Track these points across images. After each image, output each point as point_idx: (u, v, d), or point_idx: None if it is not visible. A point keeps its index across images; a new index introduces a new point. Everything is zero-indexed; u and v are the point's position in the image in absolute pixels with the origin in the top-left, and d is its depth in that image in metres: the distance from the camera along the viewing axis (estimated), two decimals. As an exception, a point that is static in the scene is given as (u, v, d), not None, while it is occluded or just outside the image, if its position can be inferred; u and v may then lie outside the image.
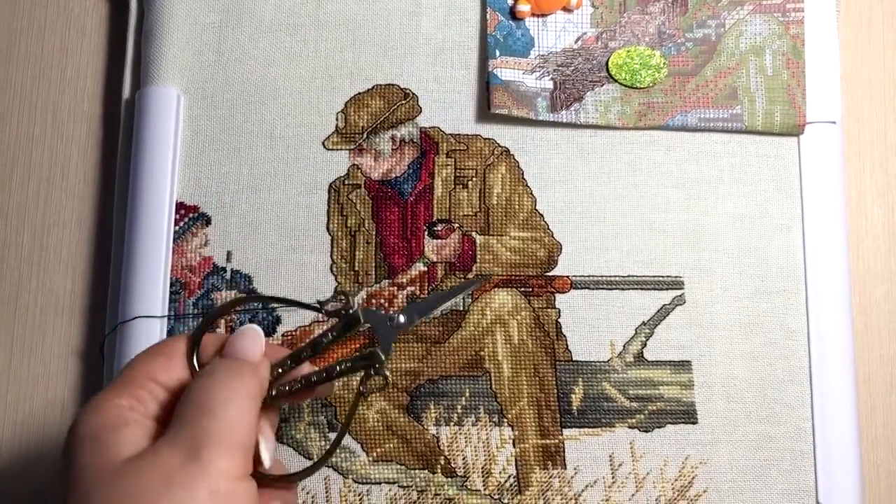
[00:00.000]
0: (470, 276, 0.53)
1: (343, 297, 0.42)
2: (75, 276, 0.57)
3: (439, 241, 0.54)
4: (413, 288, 0.53)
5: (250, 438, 0.37)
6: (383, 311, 0.45)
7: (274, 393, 0.41)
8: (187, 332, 0.42)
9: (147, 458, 0.35)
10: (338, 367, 0.42)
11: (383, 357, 0.41)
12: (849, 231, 0.56)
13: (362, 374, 0.42)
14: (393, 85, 0.56)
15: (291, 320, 0.52)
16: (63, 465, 0.37)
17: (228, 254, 0.54)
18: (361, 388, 0.42)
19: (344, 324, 0.42)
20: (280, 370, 0.41)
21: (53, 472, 0.54)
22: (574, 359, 0.53)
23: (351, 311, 0.42)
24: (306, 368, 0.42)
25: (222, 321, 0.53)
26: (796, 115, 0.55)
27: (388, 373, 0.42)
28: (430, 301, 0.49)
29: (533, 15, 0.56)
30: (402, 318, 0.44)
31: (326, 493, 0.51)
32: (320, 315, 0.52)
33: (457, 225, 0.54)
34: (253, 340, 0.41)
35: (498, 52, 0.55)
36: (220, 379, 0.38)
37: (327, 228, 0.54)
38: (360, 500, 0.51)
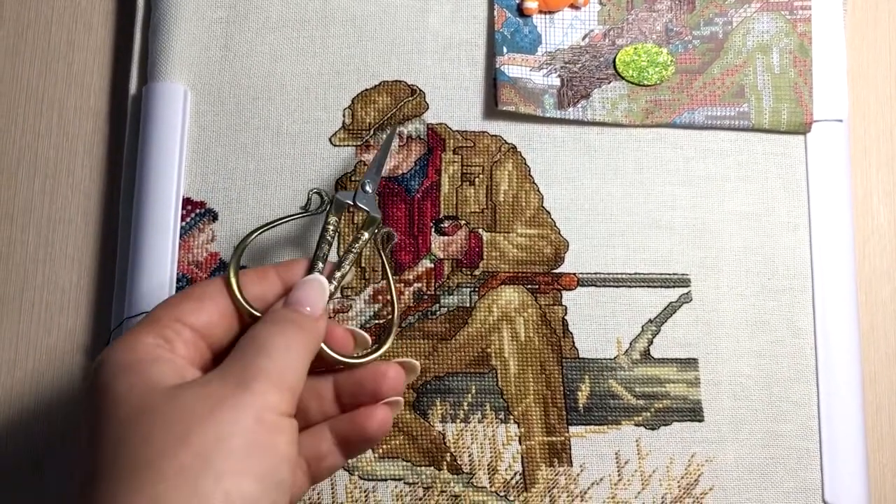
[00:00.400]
0: (477, 272, 0.53)
1: (318, 194, 0.48)
2: (81, 272, 0.57)
3: (446, 237, 0.54)
4: (420, 284, 0.53)
5: (300, 385, 0.38)
6: (351, 191, 0.48)
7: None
8: (221, 275, 0.43)
9: (196, 385, 0.36)
10: (353, 247, 0.46)
11: (377, 216, 0.47)
12: (855, 230, 0.56)
13: (374, 236, 0.47)
14: (400, 81, 0.56)
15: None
16: (94, 398, 0.37)
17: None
18: (380, 246, 0.48)
19: (332, 216, 0.46)
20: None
21: (62, 469, 0.54)
22: (580, 356, 0.53)
23: (329, 201, 0.47)
24: (328, 270, 0.45)
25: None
26: (803, 114, 0.55)
27: (389, 229, 0.49)
28: (376, 159, 0.50)
29: (540, 12, 0.56)
30: (367, 187, 0.48)
31: (332, 489, 0.51)
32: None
33: (463, 222, 0.54)
34: (318, 293, 0.42)
35: (505, 49, 0.55)
36: (283, 328, 0.39)
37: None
38: (365, 496, 0.51)
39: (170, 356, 0.38)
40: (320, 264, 0.45)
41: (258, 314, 0.41)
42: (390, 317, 0.50)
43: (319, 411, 0.43)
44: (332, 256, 0.46)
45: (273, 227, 0.47)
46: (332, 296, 0.44)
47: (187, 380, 0.37)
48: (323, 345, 0.42)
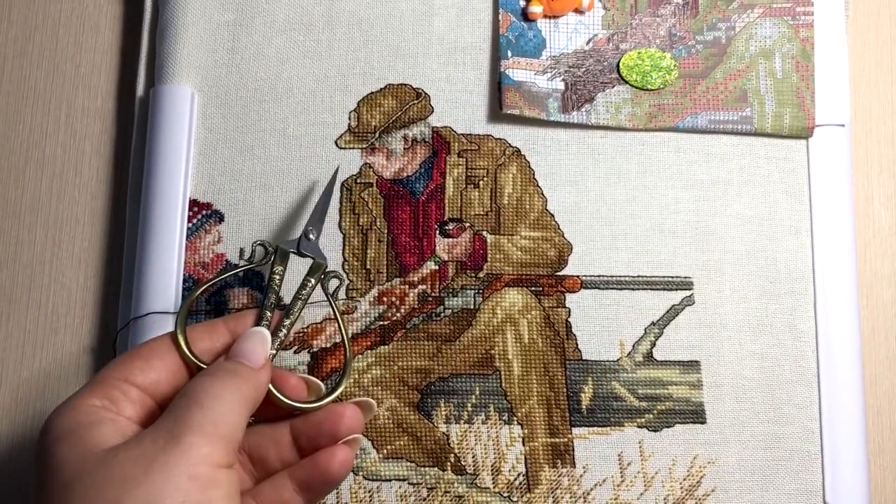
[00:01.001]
0: (481, 275, 0.54)
1: (262, 245, 0.48)
2: (88, 272, 0.57)
3: (450, 240, 0.54)
4: (424, 286, 0.54)
5: (236, 435, 0.38)
6: (294, 239, 0.49)
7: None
8: (168, 332, 0.43)
9: (129, 445, 0.36)
10: (300, 294, 0.47)
11: (323, 262, 0.48)
12: (856, 234, 0.56)
13: (321, 282, 0.48)
14: (405, 85, 0.56)
15: (299, 321, 0.52)
16: (38, 464, 0.37)
17: (241, 251, 0.54)
18: (328, 291, 0.48)
19: (277, 265, 0.47)
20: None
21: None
22: (584, 358, 0.53)
23: (273, 250, 0.48)
24: (275, 320, 0.46)
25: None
26: (805, 118, 0.55)
27: (337, 272, 0.49)
28: (318, 205, 0.51)
29: (545, 16, 0.56)
30: (311, 235, 0.49)
31: (337, 490, 0.52)
32: (330, 313, 0.52)
33: (468, 224, 0.54)
34: (258, 344, 0.42)
35: (510, 53, 0.56)
36: (217, 377, 0.39)
37: (339, 227, 0.54)
38: (370, 496, 0.52)
39: (112, 416, 0.38)
40: (268, 314, 0.46)
41: (204, 365, 0.42)
42: (343, 363, 0.51)
43: (278, 459, 0.43)
44: (279, 306, 0.47)
45: (218, 280, 0.49)
46: (283, 343, 0.45)
47: (131, 437, 0.37)
48: (276, 392, 0.43)
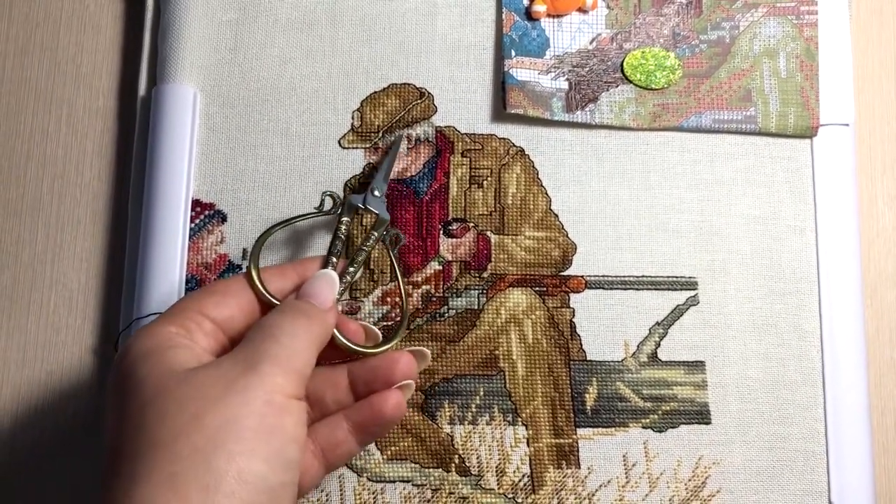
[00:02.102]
0: (485, 275, 0.54)
1: (330, 196, 0.50)
2: (89, 273, 0.57)
3: (454, 240, 0.54)
4: (428, 286, 0.53)
5: (306, 370, 0.40)
6: (360, 195, 0.50)
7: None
8: (242, 272, 0.46)
9: (209, 368, 0.38)
10: (364, 247, 0.49)
11: (387, 217, 0.50)
12: (861, 233, 0.56)
13: (383, 237, 0.50)
14: (409, 84, 0.56)
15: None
16: (117, 381, 0.39)
17: (244, 251, 0.54)
18: (389, 247, 0.50)
19: (344, 216, 0.49)
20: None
21: (68, 468, 0.54)
22: (588, 358, 0.53)
23: (341, 203, 0.50)
24: (340, 266, 0.48)
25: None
26: (810, 118, 0.55)
27: (398, 231, 0.51)
28: (385, 163, 0.52)
29: (548, 16, 0.56)
30: (377, 191, 0.50)
31: (341, 491, 0.51)
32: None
33: (472, 224, 0.54)
34: (326, 286, 0.44)
35: (513, 53, 0.56)
36: (291, 317, 0.41)
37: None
38: (374, 498, 0.51)
39: (188, 343, 0.40)
40: (333, 260, 0.47)
41: (277, 301, 0.44)
42: (401, 313, 0.52)
43: (335, 400, 0.45)
44: (345, 254, 0.49)
45: (288, 224, 0.50)
46: (343, 290, 0.47)
47: (210, 361, 0.39)
48: (338, 334, 0.44)
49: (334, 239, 0.48)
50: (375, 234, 0.49)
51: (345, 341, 0.45)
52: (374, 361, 0.45)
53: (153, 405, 0.36)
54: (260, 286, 0.44)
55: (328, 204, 0.50)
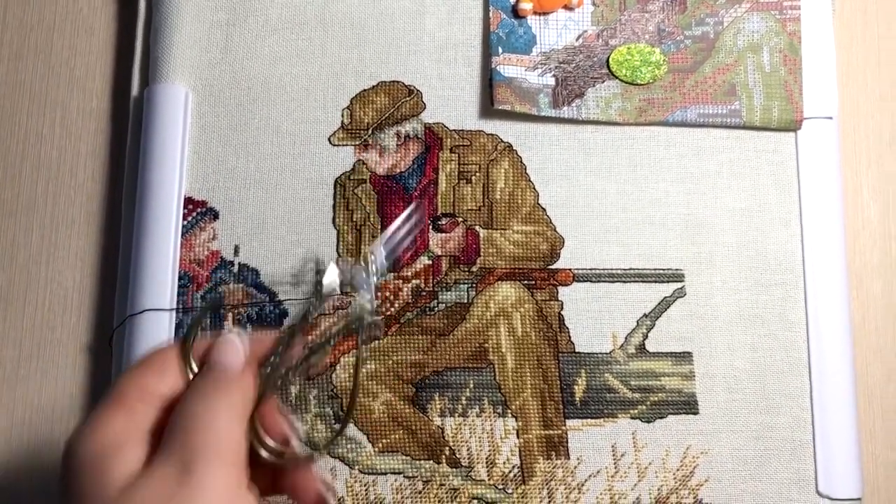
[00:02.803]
0: (474, 269, 0.54)
1: (316, 267, 0.45)
2: (84, 272, 0.57)
3: (444, 234, 0.55)
4: (418, 281, 0.54)
5: (240, 451, 0.37)
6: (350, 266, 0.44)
7: (273, 380, 0.41)
8: (177, 340, 0.42)
9: (144, 482, 0.35)
10: (331, 333, 0.43)
11: (368, 305, 0.42)
12: (845, 225, 0.56)
13: (356, 328, 0.42)
14: (397, 82, 0.57)
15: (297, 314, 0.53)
16: (61, 489, 0.37)
17: (236, 248, 0.54)
18: (362, 338, 0.42)
19: (321, 293, 0.43)
20: (274, 358, 0.41)
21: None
22: (577, 350, 0.54)
23: (323, 279, 0.42)
24: (298, 349, 0.42)
25: (229, 314, 0.53)
26: (793, 111, 0.56)
27: (380, 319, 0.44)
28: (393, 240, 0.47)
29: (535, 13, 0.57)
30: (376, 275, 0.44)
31: (333, 484, 0.52)
32: (325, 308, 0.53)
33: (461, 219, 0.55)
34: (231, 352, 0.40)
35: (501, 50, 0.56)
36: (204, 394, 0.38)
37: (333, 223, 0.55)
38: (365, 490, 0.52)
39: (138, 435, 0.37)
40: (292, 339, 0.41)
41: None
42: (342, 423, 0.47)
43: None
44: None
45: (238, 306, 0.46)
46: (294, 372, 0.41)
47: (143, 469, 0.36)
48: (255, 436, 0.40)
49: (302, 315, 0.42)
50: (350, 325, 0.43)
51: (260, 447, 0.40)
52: (293, 479, 0.40)
53: None
54: (184, 364, 0.40)
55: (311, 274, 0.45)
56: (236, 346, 0.41)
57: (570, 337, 0.54)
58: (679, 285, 0.54)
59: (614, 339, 0.54)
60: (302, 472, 0.41)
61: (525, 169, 0.56)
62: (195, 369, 0.40)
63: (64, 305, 0.57)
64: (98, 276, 0.57)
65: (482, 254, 0.55)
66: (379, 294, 0.54)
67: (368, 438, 0.52)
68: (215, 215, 0.55)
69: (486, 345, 0.54)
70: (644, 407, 0.53)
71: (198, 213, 0.55)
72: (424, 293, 0.54)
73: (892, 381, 0.57)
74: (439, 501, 0.52)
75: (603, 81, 0.56)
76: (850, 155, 0.60)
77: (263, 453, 0.40)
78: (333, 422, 0.52)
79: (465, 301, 0.54)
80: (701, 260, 0.55)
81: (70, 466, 0.37)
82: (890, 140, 0.60)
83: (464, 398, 0.53)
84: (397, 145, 0.56)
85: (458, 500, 0.52)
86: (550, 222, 0.55)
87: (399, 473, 0.52)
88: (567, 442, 0.53)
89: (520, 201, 0.55)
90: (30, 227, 0.58)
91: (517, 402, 0.53)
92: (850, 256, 0.57)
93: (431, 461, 0.52)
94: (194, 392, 0.38)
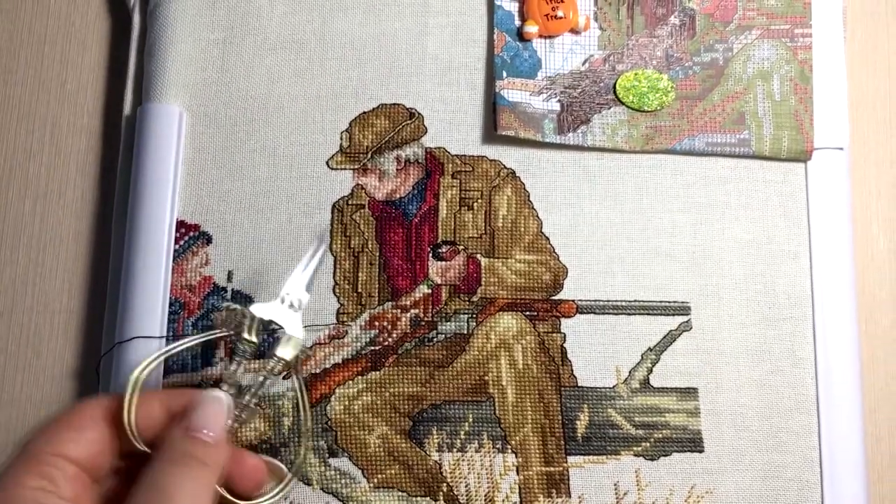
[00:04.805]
0: (475, 299, 0.53)
1: (230, 311, 0.44)
2: (72, 295, 0.56)
3: (444, 263, 0.53)
4: (417, 310, 0.53)
5: None
6: (271, 306, 0.44)
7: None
8: (92, 399, 0.40)
9: None
10: (261, 378, 0.42)
11: (303, 339, 0.44)
12: (855, 258, 0.55)
13: (295, 369, 0.44)
14: (398, 104, 0.55)
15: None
16: None
17: (229, 273, 0.53)
18: (301, 389, 0.44)
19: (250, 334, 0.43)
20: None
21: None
22: (579, 384, 0.52)
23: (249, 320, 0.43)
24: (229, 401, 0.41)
25: (220, 343, 0.52)
26: (804, 141, 0.54)
27: (294, 350, 0.43)
28: (310, 268, 0.46)
29: (540, 36, 0.56)
30: (294, 303, 0.44)
31: (326, 519, 0.50)
32: (320, 337, 0.51)
33: (462, 247, 0.53)
34: (220, 414, 0.38)
35: (505, 74, 0.55)
36: (186, 471, 0.36)
37: (330, 249, 0.53)
38: (360, 527, 0.50)
39: (57, 501, 0.35)
40: (224, 387, 0.41)
41: (146, 450, 0.38)
42: (296, 462, 0.46)
43: None
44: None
45: (172, 350, 0.45)
46: (236, 423, 0.41)
47: None
48: (221, 490, 0.39)
49: (231, 361, 0.42)
50: (282, 360, 0.42)
51: (230, 498, 0.39)
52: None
53: None
54: (129, 427, 0.38)
55: (231, 319, 0.43)
56: (222, 406, 0.39)
57: (572, 370, 0.52)
58: (685, 318, 0.53)
59: (618, 374, 0.52)
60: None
61: (528, 196, 0.54)
62: (132, 434, 0.38)
63: (51, 330, 0.55)
64: (86, 299, 0.56)
65: (483, 283, 0.53)
66: (376, 323, 0.52)
67: (364, 473, 0.51)
68: (208, 240, 0.53)
69: (486, 377, 0.52)
70: (648, 444, 0.52)
71: (190, 237, 0.53)
72: (423, 323, 0.52)
73: (901, 419, 0.56)
74: (436, 540, 0.50)
75: (609, 108, 0.55)
76: (860, 186, 0.58)
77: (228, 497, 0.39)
78: (327, 455, 0.51)
79: (465, 332, 0.52)
80: (707, 293, 0.53)
81: None
82: (900, 171, 0.59)
83: (462, 433, 0.51)
84: (397, 170, 0.54)
85: (455, 538, 0.50)
86: (554, 251, 0.54)
87: (394, 510, 0.50)
88: (568, 479, 0.51)
89: (522, 229, 0.54)
90: (16, 246, 0.56)
91: (517, 438, 0.51)
92: (859, 290, 0.56)
93: (428, 498, 0.51)
94: (170, 465, 0.36)
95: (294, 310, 0.44)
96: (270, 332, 0.45)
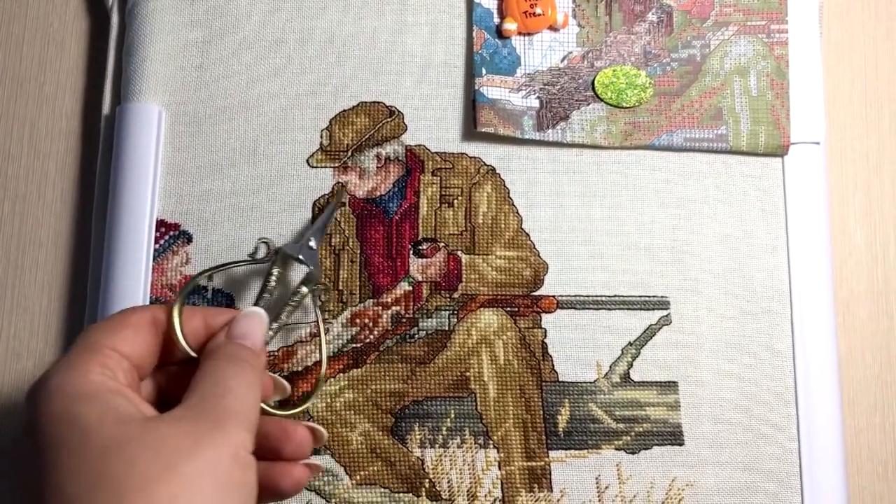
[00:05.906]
0: (455, 295, 0.53)
1: (265, 243, 0.49)
2: (52, 296, 0.55)
3: (424, 260, 0.53)
4: (398, 307, 0.53)
5: (257, 423, 0.39)
6: (297, 245, 0.49)
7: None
8: (142, 306, 0.43)
9: (171, 422, 0.36)
10: (291, 301, 0.47)
11: (319, 273, 0.49)
12: (832, 252, 0.56)
13: (312, 292, 0.48)
14: (378, 102, 0.55)
15: (274, 342, 0.51)
16: (49, 428, 0.35)
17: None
18: (316, 303, 0.48)
19: (276, 266, 0.48)
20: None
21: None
22: (560, 379, 0.52)
23: (275, 252, 0.48)
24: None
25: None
26: (780, 136, 0.55)
27: (328, 283, 0.51)
28: (323, 218, 0.51)
29: (519, 34, 0.56)
30: (312, 243, 0.49)
31: None
32: (302, 335, 0.51)
33: (442, 244, 0.54)
34: (259, 327, 0.43)
35: (484, 71, 0.55)
36: (240, 368, 0.40)
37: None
38: (343, 524, 0.50)
39: (124, 389, 0.38)
40: (261, 304, 0.46)
41: (193, 354, 0.42)
42: (315, 381, 0.50)
43: None
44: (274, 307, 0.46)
45: (220, 270, 0.49)
46: (267, 344, 0.45)
47: (146, 413, 0.37)
48: None
49: (263, 290, 0.47)
50: (304, 289, 0.48)
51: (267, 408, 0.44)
52: (268, 427, 0.43)
53: (116, 453, 0.34)
54: (179, 332, 0.42)
55: (262, 251, 0.49)
56: (263, 322, 0.44)
57: (553, 365, 0.52)
58: (664, 313, 0.53)
59: (598, 368, 0.53)
60: (283, 424, 0.44)
61: (508, 193, 0.54)
62: (182, 339, 0.42)
63: (31, 331, 0.55)
64: (66, 300, 0.55)
65: (464, 280, 0.53)
66: (357, 321, 0.52)
67: (346, 470, 0.51)
68: (189, 239, 0.53)
69: (468, 373, 0.52)
70: (629, 438, 0.52)
71: (171, 236, 0.53)
72: (404, 320, 0.53)
73: (878, 411, 0.56)
74: (419, 536, 0.50)
75: (588, 104, 0.55)
76: (837, 180, 0.59)
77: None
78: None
79: (447, 328, 0.53)
80: (686, 287, 0.54)
81: (58, 405, 0.36)
82: (877, 165, 0.59)
83: (444, 429, 0.52)
84: (377, 168, 0.54)
85: (437, 534, 0.50)
86: (534, 247, 0.54)
87: (377, 507, 0.51)
88: (550, 474, 0.51)
89: (503, 226, 0.54)
90: (-4, 247, 0.56)
91: (499, 433, 0.52)
92: (836, 283, 0.57)
93: (411, 494, 0.51)
94: (227, 363, 0.40)
95: (312, 249, 0.49)
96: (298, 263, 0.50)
